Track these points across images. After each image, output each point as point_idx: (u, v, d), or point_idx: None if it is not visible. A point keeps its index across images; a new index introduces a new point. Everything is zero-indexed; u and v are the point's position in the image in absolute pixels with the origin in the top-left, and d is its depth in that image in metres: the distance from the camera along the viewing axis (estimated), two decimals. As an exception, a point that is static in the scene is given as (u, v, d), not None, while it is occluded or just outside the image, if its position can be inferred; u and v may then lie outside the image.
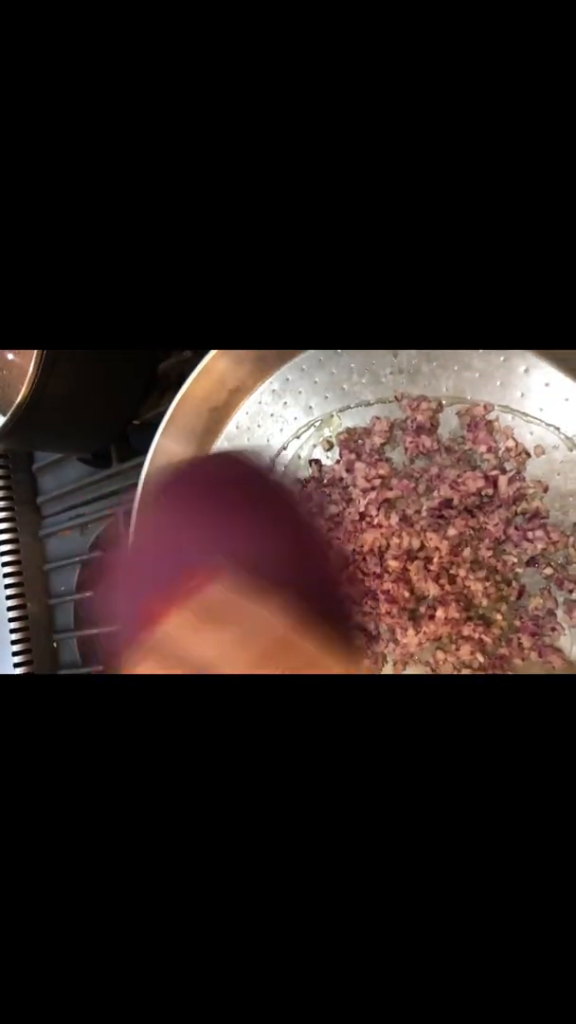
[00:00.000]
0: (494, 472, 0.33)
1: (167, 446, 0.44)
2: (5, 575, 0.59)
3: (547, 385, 0.32)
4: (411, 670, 0.36)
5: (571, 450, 0.32)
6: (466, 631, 0.34)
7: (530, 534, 0.32)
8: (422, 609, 0.35)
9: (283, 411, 0.42)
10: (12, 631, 0.57)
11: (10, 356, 0.47)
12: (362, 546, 0.37)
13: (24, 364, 0.43)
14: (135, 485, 0.45)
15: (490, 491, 0.33)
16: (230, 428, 0.44)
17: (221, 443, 0.45)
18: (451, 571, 0.34)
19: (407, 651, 0.35)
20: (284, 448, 0.42)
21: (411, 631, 0.35)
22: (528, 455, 0.33)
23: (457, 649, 0.34)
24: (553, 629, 0.31)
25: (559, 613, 0.32)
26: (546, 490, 0.32)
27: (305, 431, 0.42)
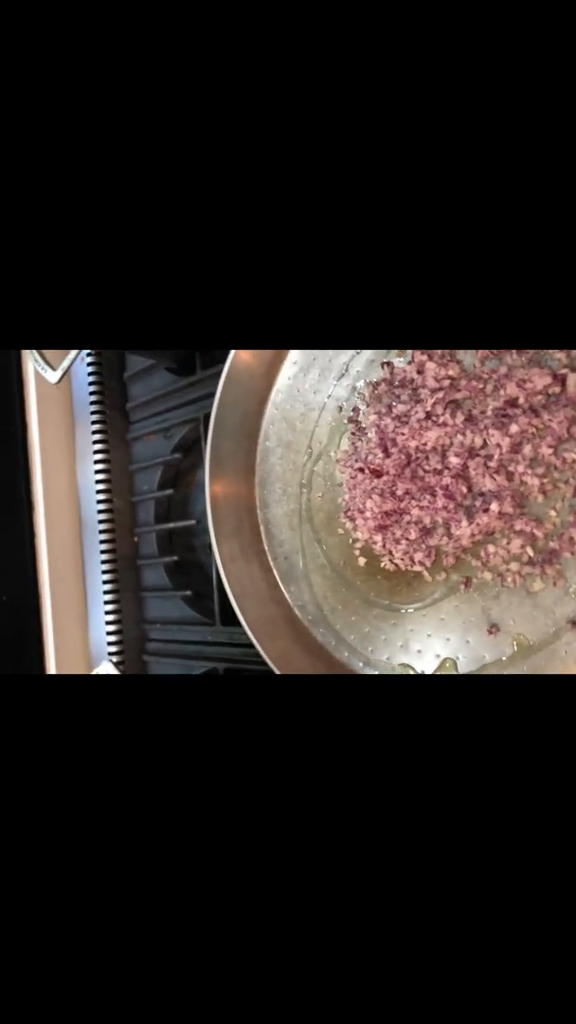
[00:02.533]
0: (563, 371, 0.34)
1: (244, 352, 0.46)
2: (96, 472, 0.65)
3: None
4: (463, 565, 0.38)
5: None
6: (518, 525, 0.35)
7: (593, 431, 0.33)
8: (477, 503, 0.36)
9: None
10: (100, 522, 0.64)
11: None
12: (425, 444, 0.38)
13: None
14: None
15: (556, 389, 0.34)
16: (307, 333, 0.46)
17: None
18: (509, 468, 0.35)
19: (460, 544, 0.37)
20: (358, 352, 0.44)
21: (465, 523, 0.36)
22: (600, 355, 0.33)
23: (508, 543, 0.36)
24: (606, 525, 0.32)
25: (614, 510, 0.32)
26: (614, 389, 0.33)
27: (379, 336, 0.43)
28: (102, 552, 0.64)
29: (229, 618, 0.55)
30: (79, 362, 0.67)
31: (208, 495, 0.47)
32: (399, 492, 0.40)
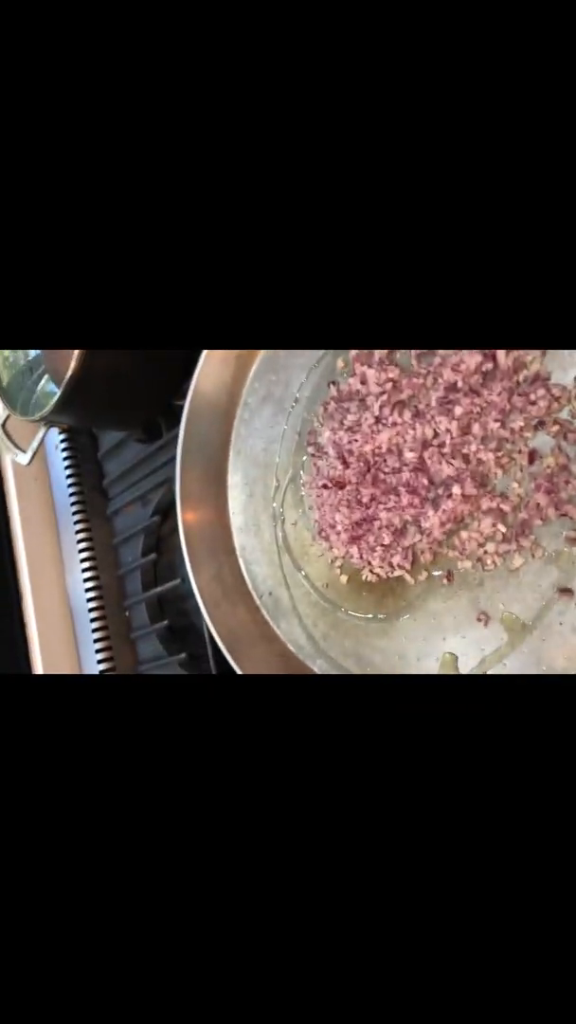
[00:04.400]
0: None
1: (201, 397, 0.48)
2: (80, 551, 0.65)
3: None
4: (441, 559, 0.37)
5: (564, 311, 0.33)
6: (485, 504, 0.34)
7: (533, 396, 0.33)
8: (441, 492, 0.36)
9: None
10: (89, 600, 0.63)
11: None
12: (380, 446, 0.39)
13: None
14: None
15: (490, 366, 0.34)
16: (254, 372, 0.48)
17: (249, 387, 0.48)
18: (464, 451, 0.35)
19: (433, 537, 0.37)
20: (306, 379, 0.45)
21: (432, 514, 0.36)
22: (524, 325, 0.34)
23: (479, 525, 0.35)
24: (567, 482, 0.32)
25: (572, 467, 0.32)
26: (543, 353, 0.33)
27: (323, 359, 0.44)
28: (94, 631, 0.63)
29: (226, 672, 0.52)
30: (55, 448, 0.70)
31: (184, 542, 0.47)
32: (364, 499, 0.39)
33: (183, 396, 0.56)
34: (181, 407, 0.49)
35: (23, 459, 0.54)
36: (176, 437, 0.57)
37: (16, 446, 0.55)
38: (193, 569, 0.46)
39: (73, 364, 0.49)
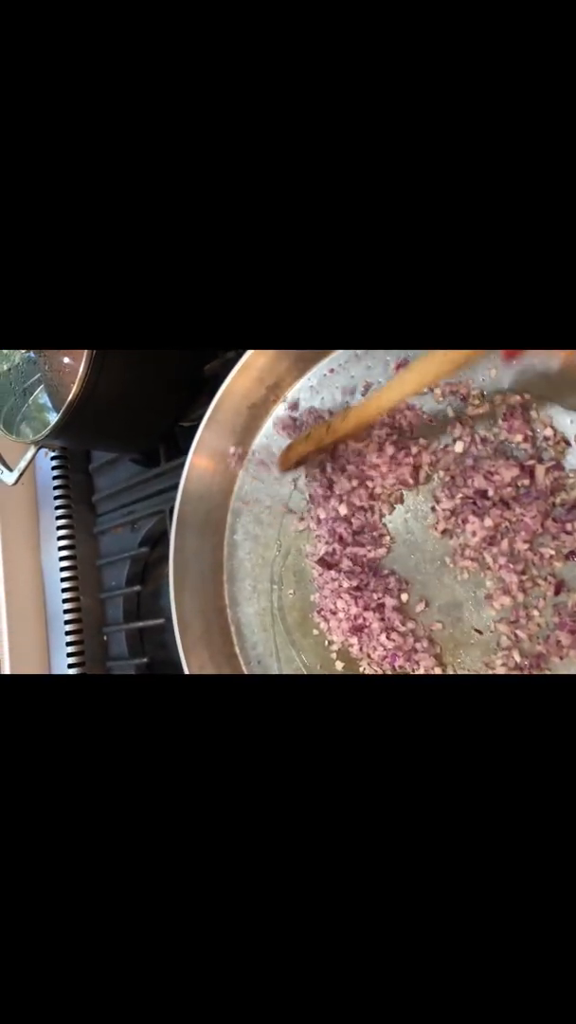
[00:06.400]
0: (531, 462, 0.32)
1: (208, 442, 0.45)
2: (62, 569, 0.62)
3: (588, 370, 0.31)
4: (446, 667, 0.35)
5: (614, 438, 0.30)
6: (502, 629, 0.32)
7: (569, 526, 0.30)
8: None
9: (320, 406, 0.42)
10: (67, 622, 0.60)
11: (65, 359, 0.50)
12: (395, 539, 0.36)
13: (76, 366, 0.46)
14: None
15: (526, 481, 0.32)
16: (268, 425, 0.45)
17: (260, 439, 0.45)
18: (485, 561, 0.33)
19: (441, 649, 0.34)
20: (321, 443, 0.42)
21: (443, 626, 0.34)
22: (568, 444, 0.31)
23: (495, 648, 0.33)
24: (594, 626, 0.30)
25: (601, 609, 0.30)
26: (586, 480, 0.31)
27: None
28: (69, 655, 0.60)
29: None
30: (43, 455, 0.66)
31: (173, 600, 0.44)
32: (371, 587, 0.37)
33: (189, 419, 0.52)
34: (190, 428, 0.45)
35: (8, 479, 0.50)
36: (175, 468, 0.54)
37: (3, 463, 0.51)
38: (181, 631, 0.43)
39: (75, 388, 0.45)
